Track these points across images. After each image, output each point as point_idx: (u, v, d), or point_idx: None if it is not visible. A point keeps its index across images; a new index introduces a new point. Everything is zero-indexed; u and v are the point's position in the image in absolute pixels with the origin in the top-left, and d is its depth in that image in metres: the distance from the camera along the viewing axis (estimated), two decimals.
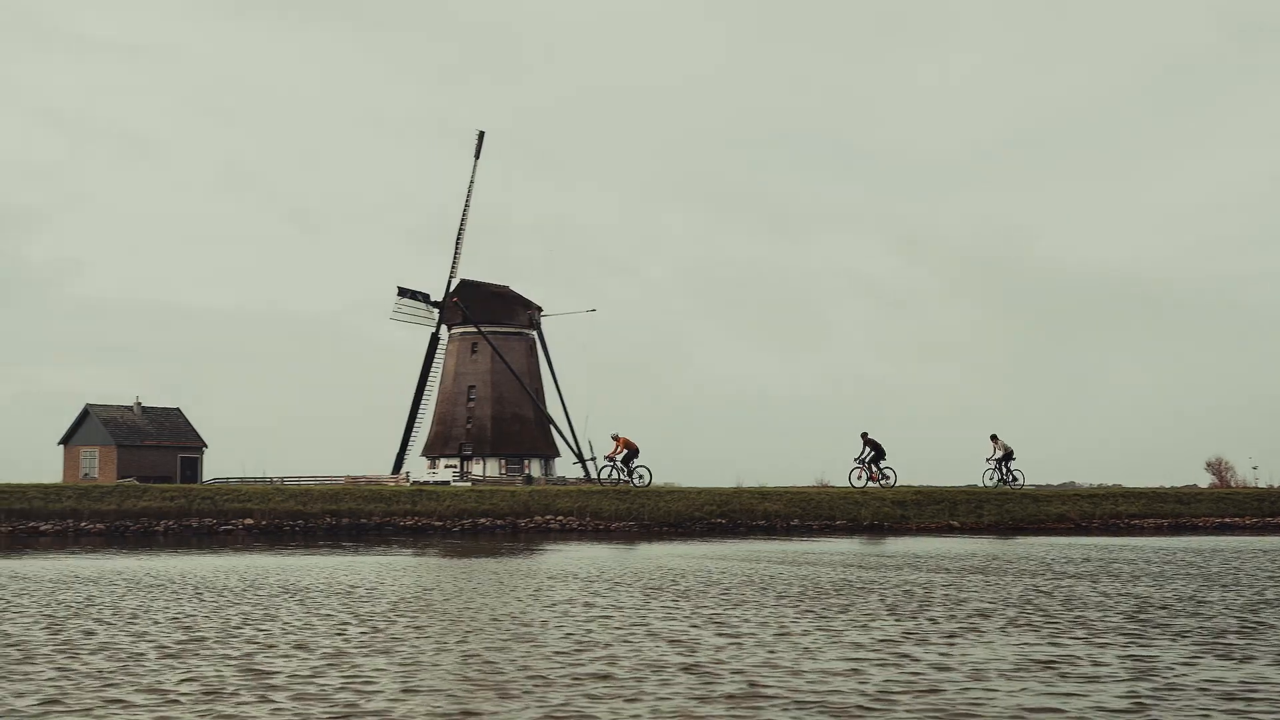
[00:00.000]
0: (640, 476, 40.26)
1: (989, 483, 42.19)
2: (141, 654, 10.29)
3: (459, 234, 63.45)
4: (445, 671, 9.32)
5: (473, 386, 65.29)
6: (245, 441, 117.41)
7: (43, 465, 72.30)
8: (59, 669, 9.48)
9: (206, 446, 70.26)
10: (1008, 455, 41.80)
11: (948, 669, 9.36)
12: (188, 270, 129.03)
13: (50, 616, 13.10)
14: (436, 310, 63.84)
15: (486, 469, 63.31)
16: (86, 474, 68.73)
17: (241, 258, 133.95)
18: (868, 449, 40.90)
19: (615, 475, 40.56)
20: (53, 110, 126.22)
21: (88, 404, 70.51)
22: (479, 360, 65.28)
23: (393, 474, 41.23)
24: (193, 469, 68.92)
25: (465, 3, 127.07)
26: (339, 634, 11.57)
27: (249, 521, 34.81)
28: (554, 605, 14.25)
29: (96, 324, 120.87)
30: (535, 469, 64.10)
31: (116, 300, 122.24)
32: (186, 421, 72.00)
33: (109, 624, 12.43)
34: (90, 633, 11.71)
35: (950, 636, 11.27)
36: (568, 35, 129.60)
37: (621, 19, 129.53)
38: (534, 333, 66.54)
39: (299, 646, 10.72)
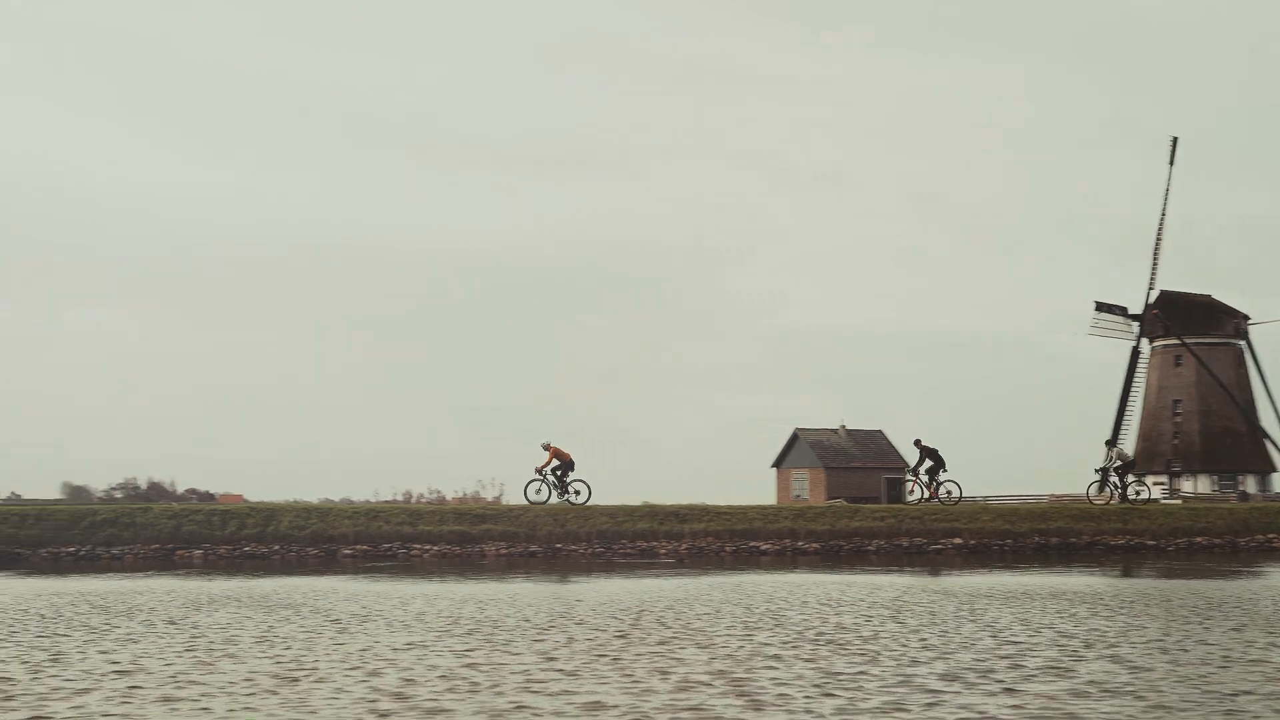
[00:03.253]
0: (577, 492, 35.46)
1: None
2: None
3: (1156, 244, 61.11)
4: None
5: (1178, 400, 62.44)
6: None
7: (758, 487, 77.05)
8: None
9: (910, 466, 71.73)
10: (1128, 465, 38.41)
11: None
12: (879, 295, 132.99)
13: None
14: (1136, 324, 61.69)
15: (1196, 485, 60.20)
16: (798, 495, 72.51)
17: (928, 280, 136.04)
18: (924, 458, 36.96)
19: (548, 491, 35.20)
20: (744, 150, 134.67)
21: (797, 428, 74.41)
22: (1183, 373, 62.39)
23: (1098, 491, 40.28)
24: (896, 489, 70.68)
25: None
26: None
27: (957, 540, 35.20)
28: None
29: (800, 351, 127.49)
30: (1250, 485, 60.05)
31: (816, 326, 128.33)
32: (889, 443, 74.00)
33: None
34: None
35: None
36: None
37: None
38: (1241, 342, 62.60)
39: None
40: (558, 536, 33.45)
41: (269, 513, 32.99)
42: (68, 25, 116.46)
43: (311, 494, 45.39)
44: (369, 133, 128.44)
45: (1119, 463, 38.67)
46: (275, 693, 9.50)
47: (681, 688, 9.74)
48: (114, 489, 55.57)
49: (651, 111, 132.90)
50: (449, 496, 44.34)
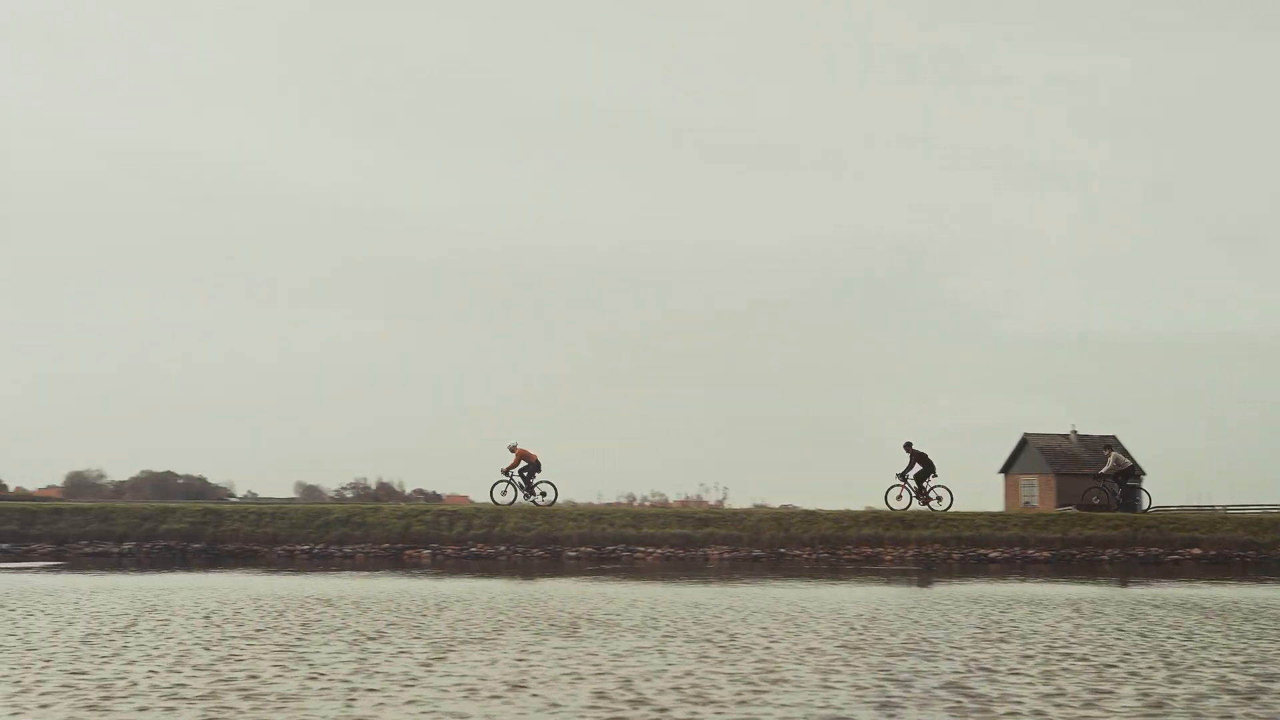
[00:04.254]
0: (543, 494, 35.52)
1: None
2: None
3: None
4: None
5: None
6: (1180, 468, 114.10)
7: (984, 493, 75.30)
8: None
9: (1144, 474, 69.17)
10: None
11: None
12: (1111, 295, 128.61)
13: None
14: None
15: None
16: (1027, 501, 70.57)
17: (1162, 279, 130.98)
18: (913, 463, 35.26)
19: (514, 493, 35.36)
20: (972, 147, 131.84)
21: (1026, 433, 72.45)
22: None
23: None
24: (1131, 498, 68.19)
25: None
26: None
27: (1196, 551, 33.65)
28: None
29: (1028, 353, 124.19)
30: None
31: (1045, 327, 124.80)
32: (1123, 448, 71.50)
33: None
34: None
35: None
36: None
37: None
38: None
39: None
40: (781, 541, 33.15)
41: (495, 514, 33.49)
42: (268, 31, 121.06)
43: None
44: (575, 133, 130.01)
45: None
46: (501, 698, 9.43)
47: (902, 703, 9.31)
48: (344, 489, 57.38)
49: (874, 108, 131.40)
50: (671, 499, 44.43)
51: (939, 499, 36.01)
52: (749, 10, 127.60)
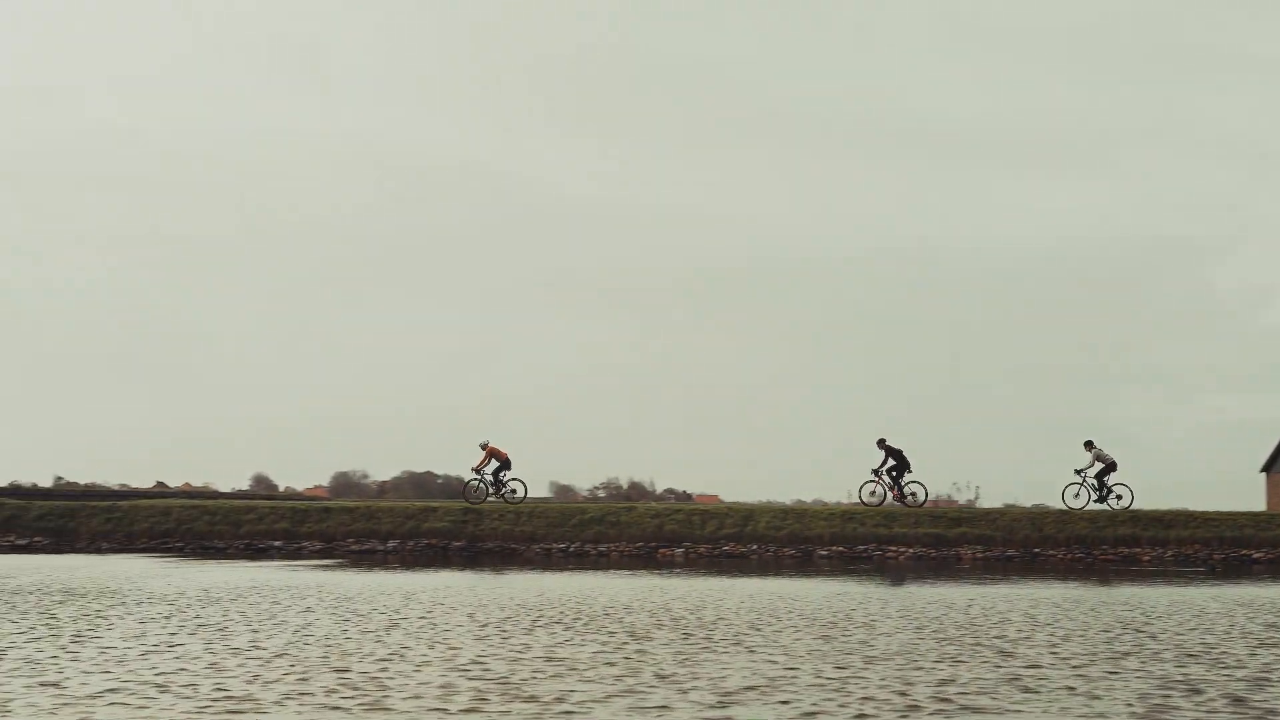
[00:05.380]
0: (513, 491, 35.72)
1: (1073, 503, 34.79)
2: None
3: None
4: None
5: None
6: None
7: (1244, 492, 71.99)
8: None
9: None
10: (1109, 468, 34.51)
11: None
12: None
13: None
14: None
15: None
16: None
17: None
18: (887, 459, 34.50)
19: (484, 490, 35.72)
20: (1225, 138, 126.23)
21: None
22: None
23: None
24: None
25: None
26: None
27: None
28: None
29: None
30: None
31: None
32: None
33: None
34: None
35: None
36: None
37: None
38: None
39: None
40: (1035, 541, 32.58)
41: (747, 513, 33.80)
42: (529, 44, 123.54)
43: (783, 495, 46.15)
44: (819, 132, 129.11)
45: (1099, 465, 34.63)
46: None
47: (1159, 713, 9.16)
48: (597, 488, 58.52)
49: (1122, 100, 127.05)
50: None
51: (913, 494, 35.03)
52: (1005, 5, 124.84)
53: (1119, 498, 34.72)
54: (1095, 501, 34.75)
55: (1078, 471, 34.69)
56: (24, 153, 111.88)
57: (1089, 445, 34.77)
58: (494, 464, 35.87)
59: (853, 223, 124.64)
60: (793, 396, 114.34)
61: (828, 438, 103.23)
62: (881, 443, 34.91)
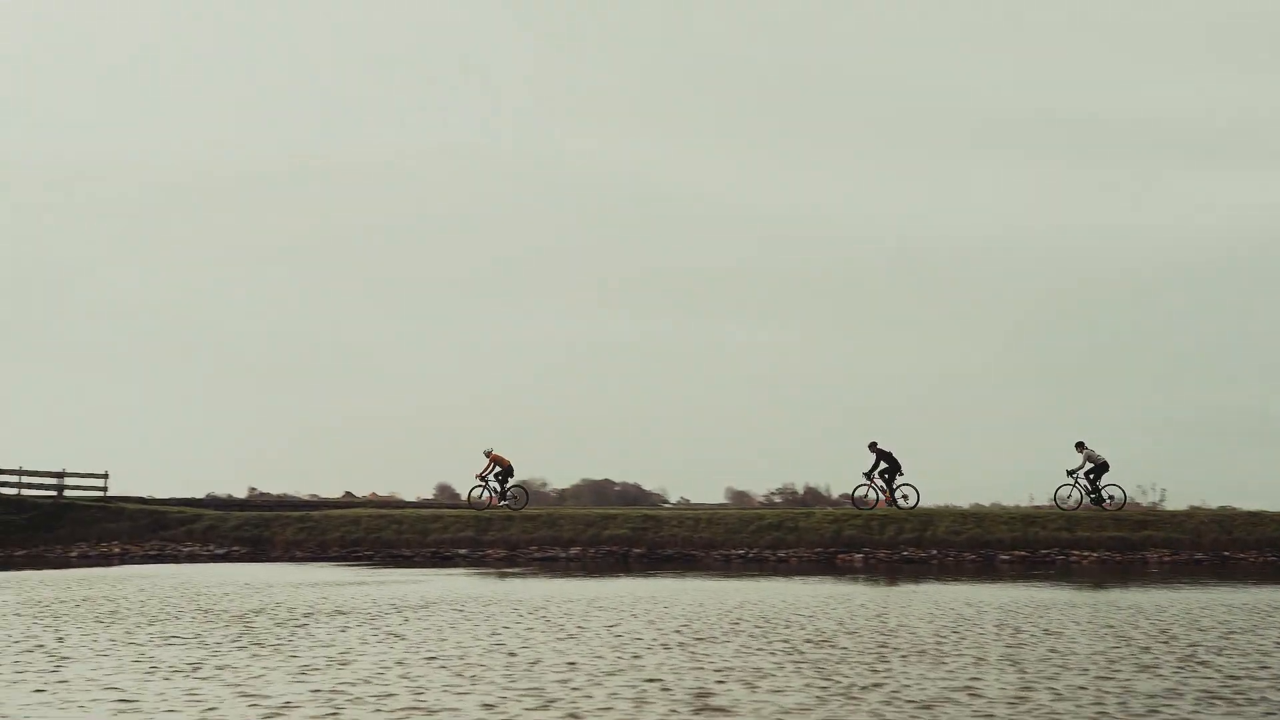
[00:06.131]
0: (515, 497, 37.33)
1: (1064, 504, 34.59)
2: None
3: None
4: None
5: None
6: None
7: None
8: None
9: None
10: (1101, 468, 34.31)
11: None
12: None
13: None
14: None
15: None
16: None
17: None
18: (879, 462, 34.90)
19: (488, 496, 37.28)
20: None
21: None
22: None
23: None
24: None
25: None
26: None
27: None
28: None
29: None
30: None
31: None
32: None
33: None
34: None
35: None
36: None
37: None
38: None
39: None
40: (1224, 544, 31.82)
41: (926, 517, 33.62)
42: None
43: (959, 498, 45.67)
44: (992, 131, 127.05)
45: (1090, 466, 34.44)
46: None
47: None
48: (773, 494, 58.55)
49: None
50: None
51: (905, 498, 35.13)
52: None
53: (1111, 498, 34.66)
54: (1089, 502, 34.61)
55: (1069, 472, 34.69)
56: (205, 169, 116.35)
57: (1080, 446, 34.76)
58: (497, 470, 37.21)
59: (1036, 218, 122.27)
60: (968, 397, 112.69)
61: (1005, 439, 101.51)
62: (873, 446, 35.32)
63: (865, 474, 35.28)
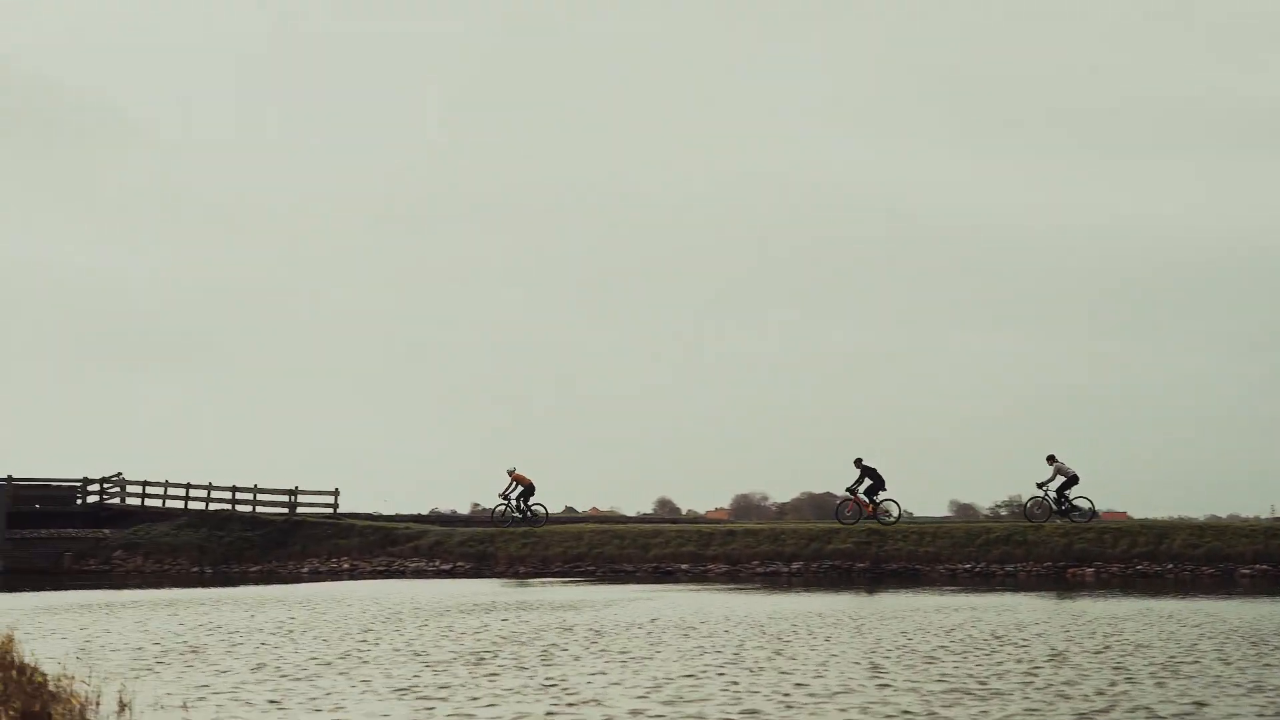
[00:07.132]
0: (535, 515, 38.30)
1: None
2: None
3: None
4: None
5: None
6: None
7: None
8: None
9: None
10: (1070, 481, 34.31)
11: None
12: None
13: None
14: None
15: None
16: None
17: None
18: (863, 478, 35.45)
19: (508, 513, 38.22)
20: None
21: None
22: None
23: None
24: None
25: None
26: None
27: None
28: None
29: None
30: None
31: None
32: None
33: None
34: None
35: None
36: None
37: None
38: None
39: None
40: None
41: (1160, 530, 32.56)
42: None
43: (1195, 510, 44.14)
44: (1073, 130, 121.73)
45: (1061, 479, 34.36)
46: None
47: None
48: (998, 506, 57.38)
49: None
50: None
51: (887, 513, 35.62)
52: None
53: (1079, 511, 34.41)
54: (1056, 515, 34.34)
55: (1040, 485, 34.70)
56: (437, 193, 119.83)
57: (1051, 459, 34.63)
58: (519, 489, 38.21)
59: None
60: (1201, 406, 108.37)
61: (1243, 449, 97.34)
62: (858, 462, 35.82)
63: (848, 489, 36.17)
